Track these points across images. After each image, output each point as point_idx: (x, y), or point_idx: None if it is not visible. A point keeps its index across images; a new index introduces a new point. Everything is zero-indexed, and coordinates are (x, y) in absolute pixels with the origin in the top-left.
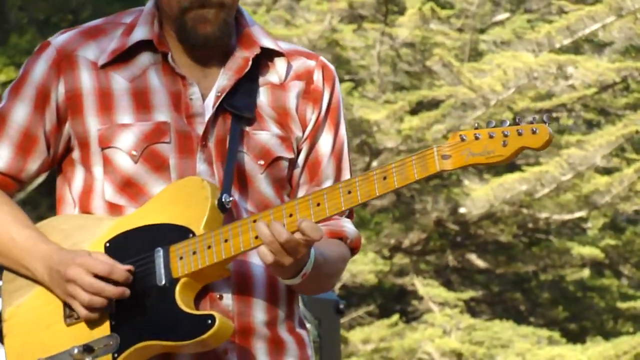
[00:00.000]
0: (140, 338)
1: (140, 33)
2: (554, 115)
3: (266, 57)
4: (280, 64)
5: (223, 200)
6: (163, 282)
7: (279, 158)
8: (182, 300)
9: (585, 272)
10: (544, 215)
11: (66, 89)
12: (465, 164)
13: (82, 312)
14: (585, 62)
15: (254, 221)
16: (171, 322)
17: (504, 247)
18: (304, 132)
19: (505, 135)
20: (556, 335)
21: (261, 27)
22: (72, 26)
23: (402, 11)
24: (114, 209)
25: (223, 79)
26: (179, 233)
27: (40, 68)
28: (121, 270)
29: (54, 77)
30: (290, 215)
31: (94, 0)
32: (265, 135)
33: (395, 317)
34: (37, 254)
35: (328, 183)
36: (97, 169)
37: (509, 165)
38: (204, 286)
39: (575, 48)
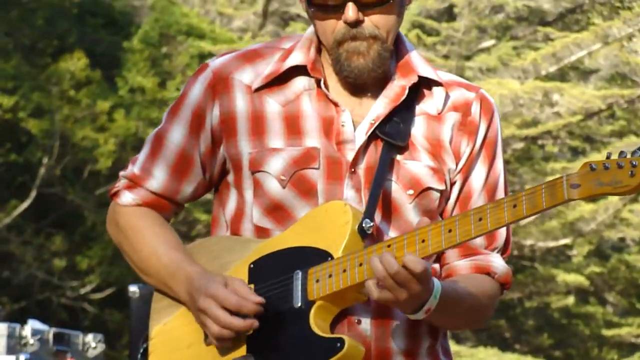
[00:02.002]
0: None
1: (295, 58)
2: (539, 142)
3: (425, 85)
4: (438, 93)
5: (363, 225)
6: (299, 304)
7: (429, 189)
8: (316, 324)
9: (570, 300)
10: (529, 242)
11: (221, 111)
12: (593, 193)
13: (213, 341)
14: (571, 89)
15: (389, 246)
16: (303, 345)
17: None
18: (457, 164)
19: (634, 166)
20: None
21: (420, 56)
22: (59, 52)
23: None
24: (261, 232)
25: (379, 106)
26: (319, 256)
27: (197, 90)
28: (250, 304)
29: (210, 100)
30: (423, 241)
31: (80, 26)
32: (417, 165)
33: None
34: (180, 276)
35: None
36: (248, 193)
37: None
38: (343, 310)
39: (561, 75)
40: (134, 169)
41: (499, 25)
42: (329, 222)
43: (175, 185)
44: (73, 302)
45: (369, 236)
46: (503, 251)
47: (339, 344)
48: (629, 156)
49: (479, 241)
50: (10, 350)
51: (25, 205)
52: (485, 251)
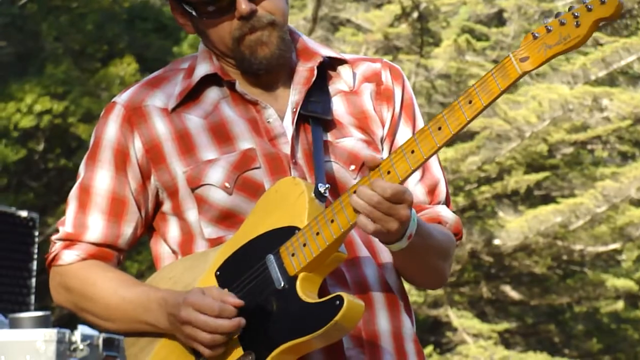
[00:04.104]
0: (275, 345)
1: (202, 69)
2: (589, 147)
3: (329, 67)
4: (345, 71)
5: (319, 189)
6: (282, 284)
7: None
8: (306, 295)
9: (620, 304)
10: (578, 247)
11: (143, 142)
12: (545, 58)
13: (206, 352)
14: (620, 94)
15: (355, 192)
16: (301, 318)
17: (538, 278)
18: (383, 131)
19: (576, 17)
20: None
21: (316, 41)
22: (109, 57)
23: (437, 43)
24: (217, 243)
25: (294, 94)
26: (285, 233)
27: (111, 129)
28: (231, 308)
29: (129, 134)
30: (389, 172)
31: (130, 31)
32: (350, 141)
33: (429, 349)
34: (153, 304)
35: (411, 179)
36: (191, 212)
37: (544, 197)
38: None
39: (611, 80)
40: (65, 229)
41: None
42: (282, 200)
43: (115, 230)
44: None
45: (327, 199)
46: (447, 202)
47: (337, 302)
48: (567, 12)
49: (422, 198)
50: (60, 355)
51: None
52: (429, 206)
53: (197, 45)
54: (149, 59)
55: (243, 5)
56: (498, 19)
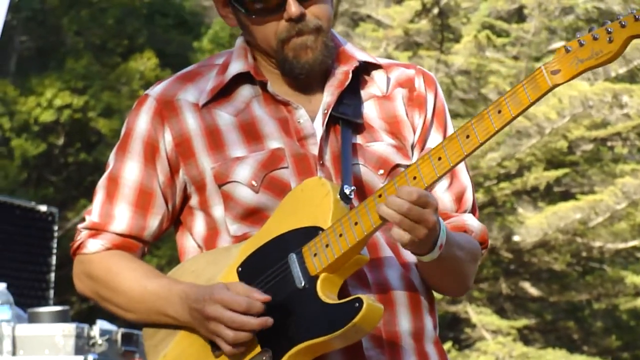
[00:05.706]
0: (293, 344)
1: (235, 67)
2: (609, 144)
3: (364, 71)
4: (379, 76)
5: (345, 191)
6: (302, 283)
7: (398, 166)
8: (326, 296)
9: (639, 301)
10: (597, 244)
11: (173, 135)
12: (576, 72)
13: (227, 348)
14: None
15: (379, 196)
16: (320, 318)
17: (557, 275)
18: (414, 137)
19: (609, 32)
20: None
21: (353, 45)
22: (129, 52)
23: (457, 39)
24: (241, 240)
25: (326, 96)
26: (309, 233)
27: (143, 121)
28: (259, 304)
29: (159, 127)
30: (415, 178)
31: (150, 26)
32: (380, 145)
33: (448, 345)
34: (174, 297)
35: (439, 187)
36: (218, 209)
37: (563, 194)
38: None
39: (631, 77)
40: (92, 218)
41: (569, 27)
42: (308, 200)
43: (141, 222)
44: None
45: (351, 202)
46: (474, 211)
47: (357, 304)
48: (600, 27)
49: (449, 206)
50: (79, 350)
51: None
52: (456, 214)
53: (218, 41)
54: (169, 54)
55: (293, 8)
56: (518, 15)
